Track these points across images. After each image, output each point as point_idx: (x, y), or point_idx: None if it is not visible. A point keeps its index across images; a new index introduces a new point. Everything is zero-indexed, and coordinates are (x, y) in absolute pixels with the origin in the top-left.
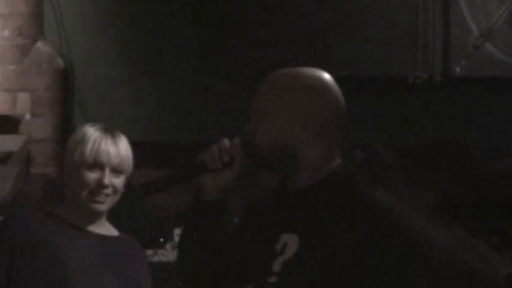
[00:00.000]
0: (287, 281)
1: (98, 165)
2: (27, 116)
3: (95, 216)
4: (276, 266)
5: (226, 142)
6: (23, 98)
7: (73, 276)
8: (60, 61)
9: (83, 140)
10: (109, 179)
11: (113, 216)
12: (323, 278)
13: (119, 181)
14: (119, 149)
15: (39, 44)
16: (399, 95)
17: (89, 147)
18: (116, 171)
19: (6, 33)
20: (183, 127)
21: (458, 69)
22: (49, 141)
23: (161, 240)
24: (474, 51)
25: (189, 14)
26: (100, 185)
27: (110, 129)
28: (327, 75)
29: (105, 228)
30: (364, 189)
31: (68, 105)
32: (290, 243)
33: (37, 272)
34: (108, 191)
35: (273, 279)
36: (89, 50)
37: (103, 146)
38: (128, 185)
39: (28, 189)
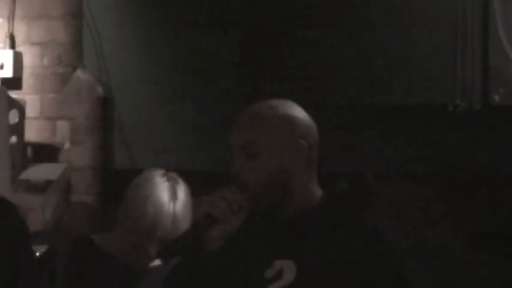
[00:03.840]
0: None
1: (150, 236)
2: (67, 144)
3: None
4: None
5: (229, 193)
6: (63, 126)
7: None
8: (99, 89)
9: (144, 202)
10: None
11: None
12: None
13: None
14: (178, 219)
15: (79, 72)
16: (439, 123)
17: (147, 218)
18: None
19: (45, 61)
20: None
21: (497, 98)
22: (88, 169)
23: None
24: None
25: (229, 31)
26: (145, 252)
27: (173, 190)
28: (295, 104)
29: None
30: (355, 214)
31: (107, 132)
32: (286, 269)
33: None
34: None
35: None
36: (128, 78)
37: (162, 220)
38: None
39: (68, 217)
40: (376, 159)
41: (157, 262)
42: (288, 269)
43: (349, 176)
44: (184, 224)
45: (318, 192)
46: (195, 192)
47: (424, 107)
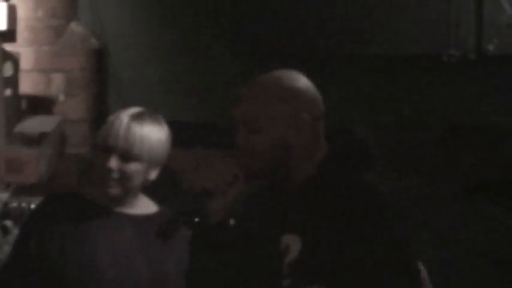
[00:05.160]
0: (301, 281)
1: (107, 149)
2: (61, 97)
3: (118, 199)
4: (285, 268)
5: (224, 166)
6: (57, 79)
7: (102, 260)
8: (94, 41)
9: (105, 123)
10: (115, 163)
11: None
12: (333, 270)
13: (130, 167)
14: (133, 134)
15: (73, 25)
16: (433, 73)
17: (104, 130)
18: (126, 157)
19: (40, 14)
20: (216, 107)
21: (491, 47)
22: (83, 121)
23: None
24: (507, 29)
25: None
26: (103, 169)
27: (140, 114)
28: (301, 75)
29: (138, 208)
30: (351, 177)
31: (102, 85)
32: (292, 244)
33: (66, 257)
34: (114, 175)
35: (286, 282)
36: (122, 30)
37: (114, 129)
38: (166, 167)
39: (63, 169)
40: (370, 110)
41: (151, 210)
42: (294, 243)
43: (347, 136)
44: (154, 152)
45: (320, 156)
46: (189, 142)
47: (419, 57)
